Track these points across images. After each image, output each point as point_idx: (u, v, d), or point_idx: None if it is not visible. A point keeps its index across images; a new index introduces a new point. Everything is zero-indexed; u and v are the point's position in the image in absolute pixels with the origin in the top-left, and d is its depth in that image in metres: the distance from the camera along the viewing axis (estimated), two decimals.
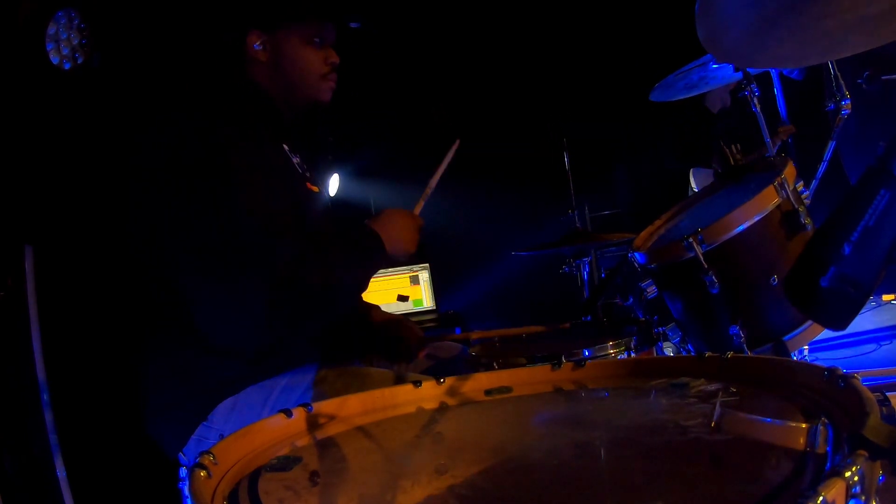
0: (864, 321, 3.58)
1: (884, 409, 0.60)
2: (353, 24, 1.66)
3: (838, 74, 2.21)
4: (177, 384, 1.42)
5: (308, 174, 1.62)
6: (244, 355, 1.40)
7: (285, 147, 1.57)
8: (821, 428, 0.67)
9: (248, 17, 1.52)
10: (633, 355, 1.61)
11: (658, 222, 1.88)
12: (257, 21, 1.52)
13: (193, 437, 1.40)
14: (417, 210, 1.63)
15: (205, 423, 1.40)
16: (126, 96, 2.35)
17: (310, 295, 1.31)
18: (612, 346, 1.61)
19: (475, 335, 1.80)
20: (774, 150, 2.24)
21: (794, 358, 1.60)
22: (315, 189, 1.61)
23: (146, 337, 1.48)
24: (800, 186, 1.57)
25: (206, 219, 1.30)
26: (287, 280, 1.28)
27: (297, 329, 1.36)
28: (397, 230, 1.49)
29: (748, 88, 2.27)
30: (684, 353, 1.77)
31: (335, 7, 1.59)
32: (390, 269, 4.03)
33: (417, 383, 1.04)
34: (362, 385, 1.40)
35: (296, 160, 1.59)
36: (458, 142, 1.73)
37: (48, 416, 2.19)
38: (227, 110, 1.45)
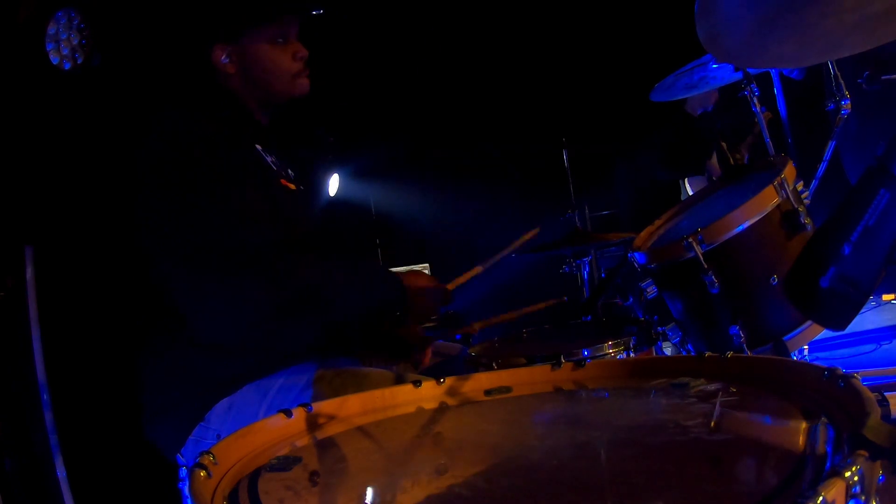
0: (864, 321, 3.58)
1: (881, 409, 0.60)
2: (314, 12, 1.64)
3: (838, 74, 2.21)
4: (173, 385, 1.43)
5: (284, 172, 1.61)
6: (238, 354, 1.41)
7: (258, 147, 1.57)
8: (821, 428, 0.67)
9: (210, 33, 1.52)
10: (632, 355, 1.61)
11: (658, 222, 1.88)
12: (219, 35, 1.52)
13: (191, 437, 1.40)
14: (453, 286, 1.67)
15: (202, 423, 1.40)
16: (125, 97, 2.35)
17: (302, 295, 1.31)
18: (612, 346, 1.61)
19: (478, 325, 1.77)
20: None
21: (794, 358, 1.60)
22: (291, 186, 1.59)
23: (143, 338, 1.49)
24: (800, 186, 1.57)
25: (194, 220, 1.31)
26: (279, 278, 1.28)
27: (290, 328, 1.36)
28: (420, 286, 1.52)
29: (748, 88, 2.27)
30: (684, 353, 1.77)
31: (291, 2, 1.58)
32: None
33: (417, 383, 1.04)
34: (360, 385, 1.40)
35: (270, 159, 1.59)
36: (537, 230, 1.81)
37: (48, 416, 2.19)
38: (202, 114, 1.47)
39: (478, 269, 1.72)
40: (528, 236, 1.79)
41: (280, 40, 1.54)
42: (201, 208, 1.31)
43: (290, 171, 1.66)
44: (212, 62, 1.53)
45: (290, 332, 1.40)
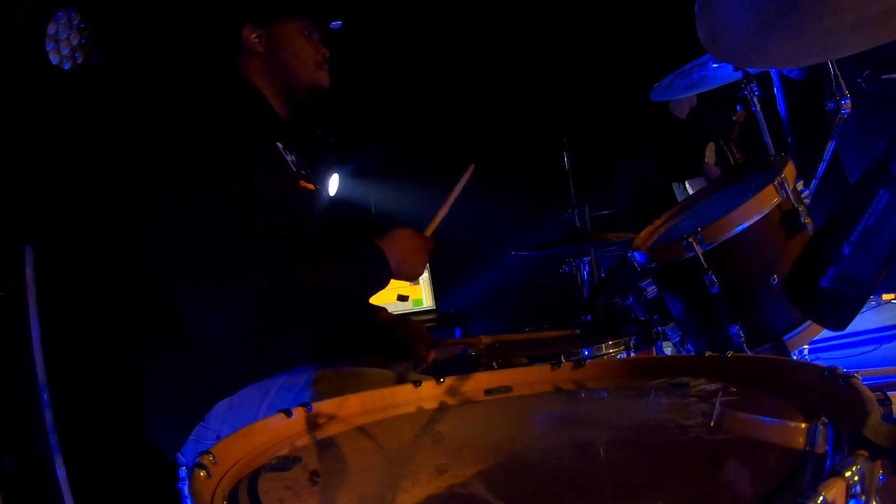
0: (864, 321, 3.57)
1: (882, 409, 0.60)
2: (334, 25, 1.71)
3: (838, 74, 2.21)
4: (173, 385, 1.42)
5: (303, 172, 1.62)
6: (236, 355, 1.41)
7: (279, 146, 1.58)
8: (821, 428, 0.67)
9: (243, 12, 1.58)
10: (632, 355, 1.61)
11: (658, 222, 1.88)
12: (252, 16, 1.58)
13: (191, 437, 1.40)
14: (429, 232, 1.63)
15: (202, 423, 1.40)
16: (125, 96, 2.35)
17: (300, 297, 1.31)
18: (612, 346, 1.61)
19: (485, 340, 1.76)
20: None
21: (794, 358, 1.60)
22: (311, 187, 1.60)
23: (143, 338, 1.48)
24: (800, 186, 1.57)
25: (193, 220, 1.31)
26: (277, 280, 1.28)
27: (288, 330, 1.35)
28: (405, 251, 1.49)
29: (748, 88, 2.27)
30: (684, 353, 1.77)
31: (322, 3, 1.66)
32: None
33: (417, 383, 1.04)
34: (359, 385, 1.40)
35: (290, 158, 1.59)
36: (472, 167, 1.74)
37: (48, 416, 2.19)
38: (220, 110, 1.47)
39: (442, 212, 1.71)
40: (467, 174, 1.77)
41: (307, 33, 1.61)
42: (199, 209, 1.31)
43: (308, 171, 1.67)
44: (240, 40, 1.58)
45: (291, 334, 1.40)
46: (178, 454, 1.43)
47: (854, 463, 0.48)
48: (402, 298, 3.94)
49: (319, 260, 1.36)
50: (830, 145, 2.32)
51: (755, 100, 2.26)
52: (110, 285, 2.32)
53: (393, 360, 1.69)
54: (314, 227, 1.56)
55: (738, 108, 2.14)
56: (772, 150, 2.29)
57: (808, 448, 0.65)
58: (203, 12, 1.68)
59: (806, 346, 2.18)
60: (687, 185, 4.03)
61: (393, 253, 1.46)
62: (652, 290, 1.74)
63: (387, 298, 3.17)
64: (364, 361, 1.67)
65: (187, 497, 0.62)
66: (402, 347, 1.68)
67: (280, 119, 1.63)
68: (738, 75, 2.38)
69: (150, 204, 1.38)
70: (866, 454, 0.50)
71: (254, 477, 0.74)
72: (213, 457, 0.72)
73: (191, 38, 1.83)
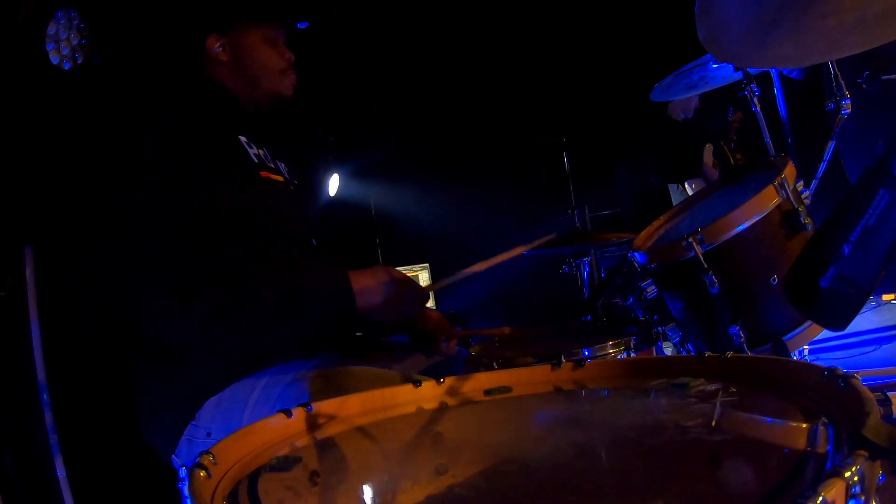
0: (864, 321, 3.58)
1: (882, 409, 0.60)
2: (300, 25, 1.72)
3: (838, 74, 2.21)
4: (163, 387, 1.43)
5: (271, 165, 1.60)
6: (202, 356, 1.41)
7: (242, 139, 1.55)
8: (821, 428, 0.67)
9: (205, 22, 1.60)
10: (632, 355, 1.61)
11: (658, 222, 1.88)
12: (213, 25, 1.60)
13: (183, 438, 1.40)
14: (431, 288, 1.62)
15: (193, 422, 1.40)
16: (125, 97, 2.36)
17: (243, 297, 1.30)
18: (612, 346, 1.60)
19: (506, 330, 1.76)
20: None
21: (794, 358, 1.60)
22: (278, 178, 1.59)
23: (133, 339, 1.49)
24: (800, 186, 1.57)
25: (157, 225, 1.33)
26: (225, 282, 1.29)
27: (238, 332, 1.33)
28: (378, 287, 1.42)
29: (748, 88, 2.27)
30: (684, 353, 1.77)
31: (285, 9, 1.67)
32: None
33: (417, 383, 1.04)
34: (347, 382, 1.39)
35: (256, 151, 1.57)
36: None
37: (48, 416, 2.19)
38: (185, 110, 1.48)
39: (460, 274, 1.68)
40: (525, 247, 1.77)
41: (271, 40, 1.62)
42: (162, 213, 1.33)
43: (280, 164, 1.67)
44: (205, 50, 1.59)
45: (245, 337, 1.36)
46: (173, 456, 1.43)
47: (854, 463, 0.48)
48: None
49: (272, 266, 1.35)
50: (830, 145, 2.33)
51: (755, 100, 2.26)
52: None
53: (417, 348, 1.72)
54: (285, 220, 1.55)
55: (731, 111, 2.15)
56: (772, 150, 2.29)
57: (808, 448, 0.65)
58: (168, 21, 1.70)
59: (806, 347, 2.18)
60: (686, 186, 4.05)
61: (361, 285, 1.40)
62: (652, 291, 1.74)
63: None
64: (363, 360, 1.66)
65: (187, 497, 0.62)
66: (424, 337, 1.71)
67: (248, 113, 1.65)
68: (739, 75, 2.39)
69: (128, 206, 1.39)
70: (866, 454, 0.50)
71: (254, 477, 0.74)
72: (213, 457, 0.72)
73: (161, 45, 1.85)
